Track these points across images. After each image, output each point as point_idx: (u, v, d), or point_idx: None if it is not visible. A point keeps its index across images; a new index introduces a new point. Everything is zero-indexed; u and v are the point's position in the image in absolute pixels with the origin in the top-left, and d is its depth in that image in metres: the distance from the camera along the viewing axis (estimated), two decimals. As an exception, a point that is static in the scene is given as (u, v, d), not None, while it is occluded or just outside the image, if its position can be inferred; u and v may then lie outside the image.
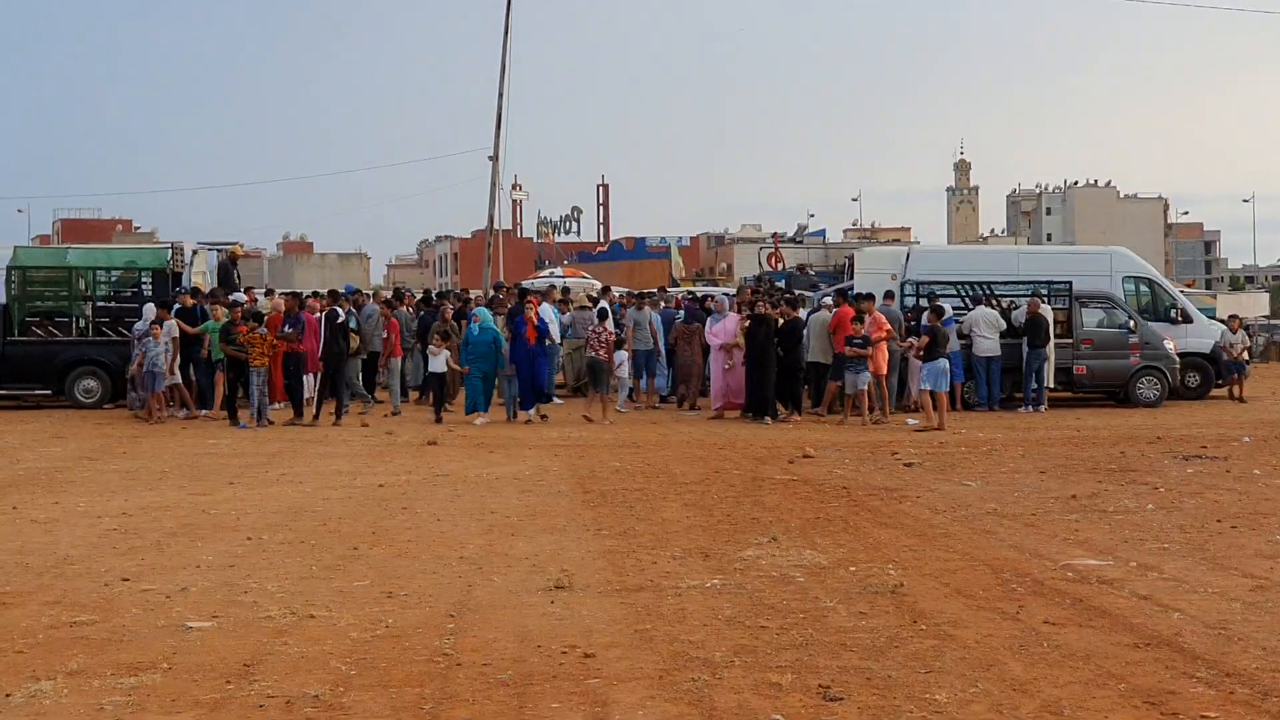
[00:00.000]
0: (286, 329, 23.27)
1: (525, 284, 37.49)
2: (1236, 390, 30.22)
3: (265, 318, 24.05)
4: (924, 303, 26.58)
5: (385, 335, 26.21)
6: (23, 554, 10.53)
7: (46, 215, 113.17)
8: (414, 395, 28.33)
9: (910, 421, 23.53)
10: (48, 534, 11.75)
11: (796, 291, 30.63)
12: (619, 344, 26.89)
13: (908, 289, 28.05)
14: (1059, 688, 6.47)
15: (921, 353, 22.84)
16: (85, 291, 26.60)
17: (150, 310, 23.86)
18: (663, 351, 28.02)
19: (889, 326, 24.28)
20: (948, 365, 22.57)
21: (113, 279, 27.20)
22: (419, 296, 34.65)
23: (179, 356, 23.86)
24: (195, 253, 28.86)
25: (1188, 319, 29.75)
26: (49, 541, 11.31)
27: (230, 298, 25.22)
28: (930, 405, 22.13)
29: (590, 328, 26.02)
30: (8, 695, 6.20)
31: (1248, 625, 7.94)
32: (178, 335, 23.46)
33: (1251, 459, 18.73)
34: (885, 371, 23.96)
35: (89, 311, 26.42)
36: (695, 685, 6.39)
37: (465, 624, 7.85)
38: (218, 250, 30.08)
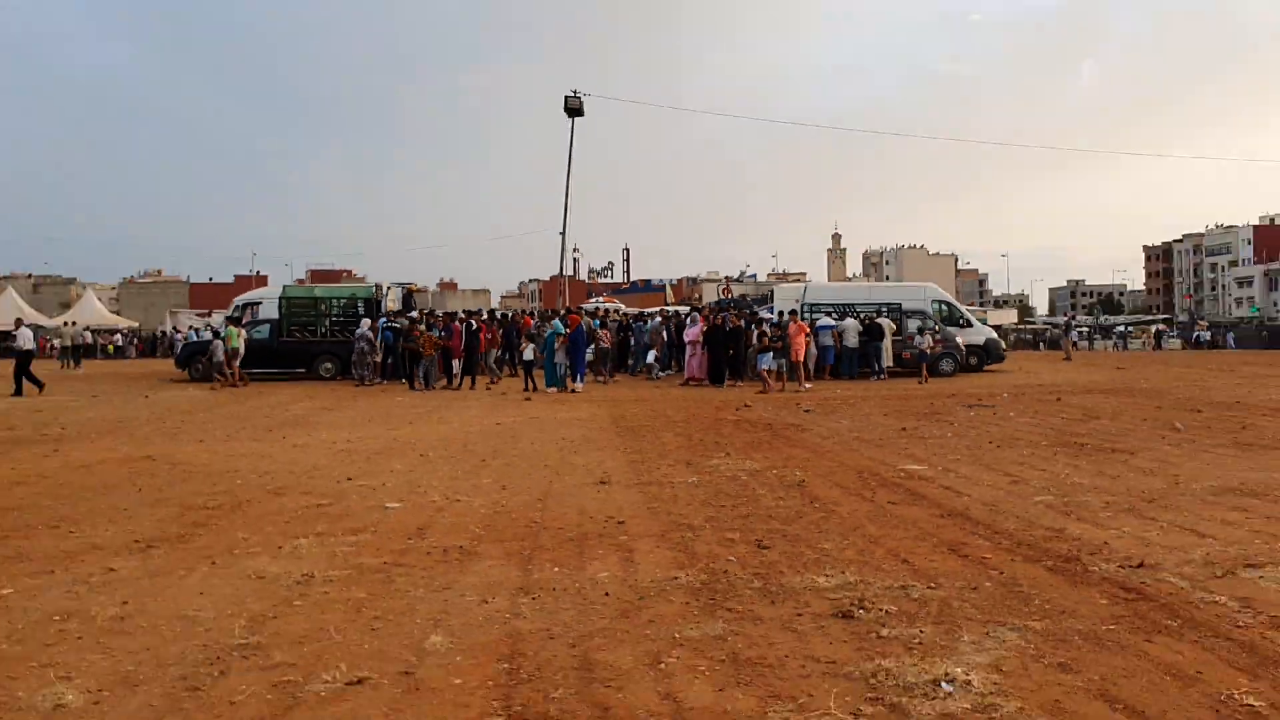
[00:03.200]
0: (439, 333, 30.67)
1: (583, 307, 46.83)
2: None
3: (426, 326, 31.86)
4: (814, 318, 32.87)
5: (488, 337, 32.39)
6: (288, 465, 12.87)
7: (303, 266, 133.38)
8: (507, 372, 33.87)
9: (806, 386, 28.10)
10: (303, 453, 14.13)
11: (738, 310, 36.10)
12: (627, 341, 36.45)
13: (805, 309, 34.06)
14: (897, 541, 8.14)
15: (766, 347, 27.69)
16: (325, 312, 35.41)
17: (365, 324, 31.50)
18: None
19: (806, 330, 29.44)
20: (771, 355, 27.63)
21: (341, 305, 35.69)
22: (496, 314, 42.55)
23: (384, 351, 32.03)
24: (389, 289, 38.84)
25: (970, 325, 37.15)
26: (303, 458, 13.60)
27: (410, 315, 34.17)
28: (768, 378, 27.32)
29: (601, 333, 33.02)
30: (280, 547, 7.97)
31: (1009, 504, 9.67)
32: (372, 337, 31.29)
33: (1008, 407, 22.54)
34: (801, 358, 29.23)
35: (327, 324, 34.94)
36: (682, 540, 8.20)
37: (548, 505, 9.83)
38: (402, 287, 39.41)
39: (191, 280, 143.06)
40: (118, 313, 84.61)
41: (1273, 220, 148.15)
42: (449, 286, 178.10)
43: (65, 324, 61.08)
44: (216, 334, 34.75)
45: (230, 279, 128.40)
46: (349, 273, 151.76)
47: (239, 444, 14.94)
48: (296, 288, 36.49)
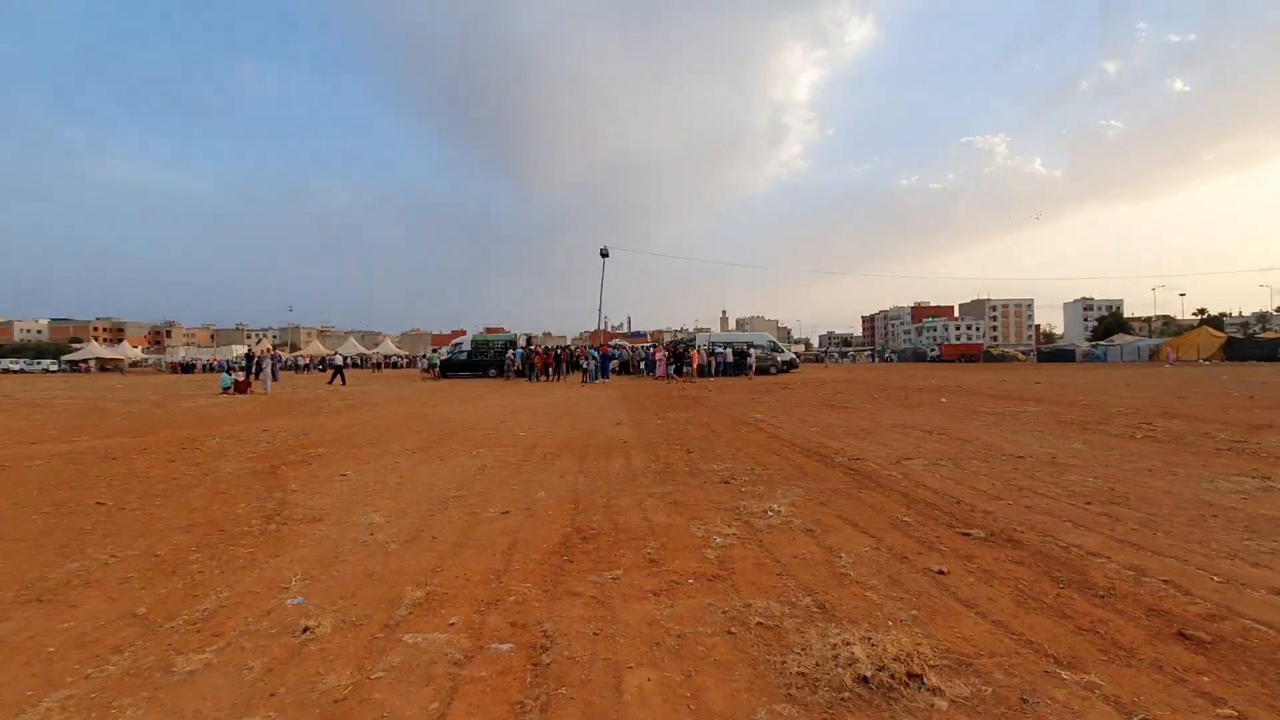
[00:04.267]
0: (542, 355, 30.04)
1: (609, 344, 44.89)
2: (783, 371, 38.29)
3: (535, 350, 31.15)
4: (715, 348, 31.21)
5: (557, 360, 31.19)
6: (475, 416, 12.24)
7: (482, 325, 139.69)
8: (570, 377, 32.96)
9: (695, 380, 27.90)
10: (481, 411, 13.46)
11: (682, 345, 34.52)
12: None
13: (710, 344, 31.57)
14: (749, 450, 8.03)
15: (672, 363, 27.33)
16: (492, 346, 32.44)
17: (510, 351, 30.42)
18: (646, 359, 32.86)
19: (699, 353, 28.66)
20: (678, 365, 27.40)
21: (499, 344, 32.45)
22: (569, 347, 41.74)
23: (520, 364, 30.37)
24: (519, 336, 35.18)
25: (783, 352, 34.36)
26: (481, 413, 12.95)
27: (530, 347, 32.51)
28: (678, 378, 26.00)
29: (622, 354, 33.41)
30: (471, 453, 7.91)
31: (800, 432, 9.40)
32: (517, 359, 30.09)
33: (799, 389, 20.96)
34: (696, 367, 28.05)
35: (491, 352, 32.05)
36: (653, 450, 8.05)
37: (592, 435, 9.49)
38: (527, 335, 37.04)
39: (433, 332, 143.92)
40: (400, 347, 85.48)
41: (917, 305, 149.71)
42: (547, 334, 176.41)
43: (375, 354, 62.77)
44: (429, 359, 36.81)
45: (449, 331, 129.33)
46: (503, 328, 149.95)
47: (452, 407, 14.80)
48: (480, 335, 36.18)
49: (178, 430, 10.70)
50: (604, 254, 32.93)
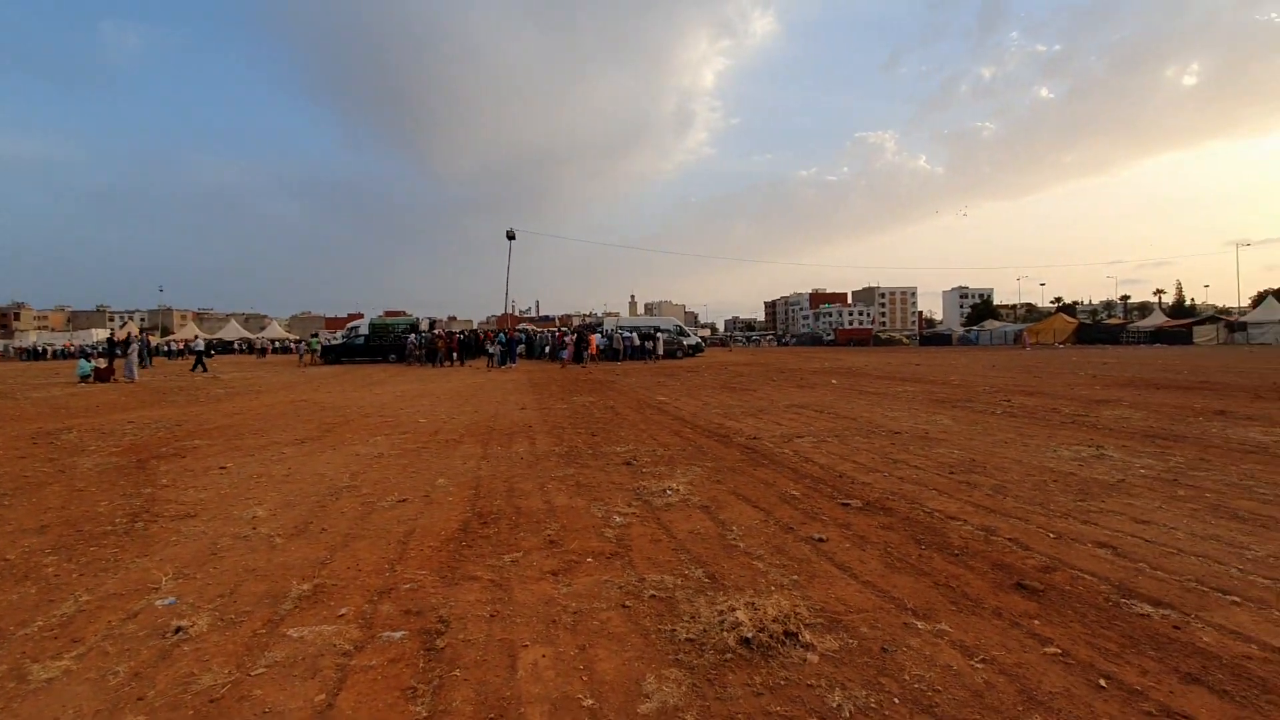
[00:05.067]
0: (436, 337, 28.56)
1: (516, 328, 43.22)
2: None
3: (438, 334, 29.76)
4: (623, 332, 31.07)
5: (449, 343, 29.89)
6: (370, 403, 11.71)
7: (381, 308, 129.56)
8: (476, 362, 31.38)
9: (586, 366, 27.99)
10: (378, 397, 12.97)
11: (590, 330, 34.76)
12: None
13: (618, 328, 31.90)
14: (652, 431, 8.12)
15: (572, 348, 26.67)
16: (392, 330, 31.39)
17: (412, 336, 29.04)
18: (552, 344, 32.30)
19: (595, 340, 28.06)
20: (575, 350, 26.77)
21: (400, 328, 31.45)
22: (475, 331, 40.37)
23: (422, 349, 28.41)
24: (420, 319, 34.24)
25: (689, 336, 34.85)
26: (378, 399, 12.47)
27: (434, 331, 30.77)
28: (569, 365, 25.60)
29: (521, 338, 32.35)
30: (366, 441, 7.54)
31: (701, 413, 9.64)
32: (420, 342, 28.35)
33: (703, 371, 21.73)
34: (594, 352, 27.94)
35: (392, 336, 30.89)
36: (558, 433, 8.00)
37: (496, 419, 9.31)
38: (430, 319, 35.76)
39: (326, 316, 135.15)
40: (290, 331, 79.77)
41: (815, 291, 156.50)
42: (451, 317, 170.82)
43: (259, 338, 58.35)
44: (308, 344, 34.76)
45: (346, 314, 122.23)
46: (404, 312, 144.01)
47: (346, 394, 14.06)
48: (378, 318, 34.24)
49: (27, 423, 9.59)
50: (510, 236, 32.16)
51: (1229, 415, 8.37)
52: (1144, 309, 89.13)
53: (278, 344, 60.13)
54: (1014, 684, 2.21)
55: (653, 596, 2.98)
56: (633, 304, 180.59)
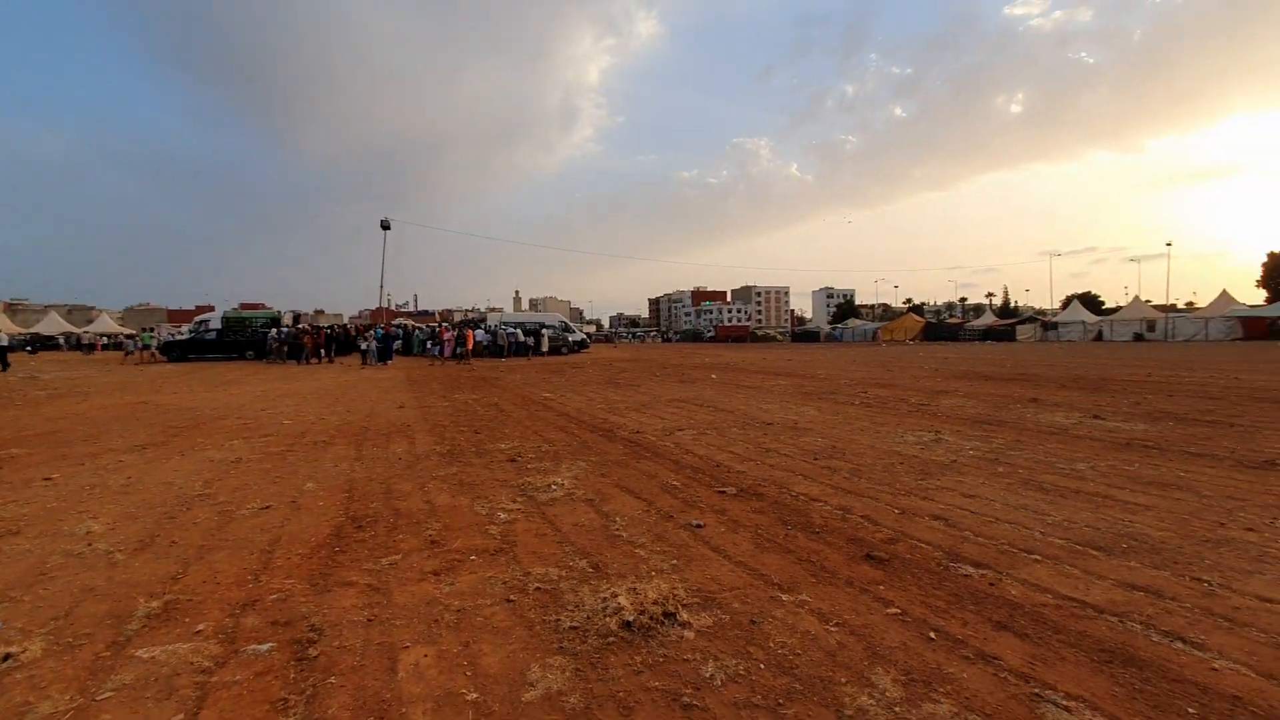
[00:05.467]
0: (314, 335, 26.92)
1: (393, 324, 41.69)
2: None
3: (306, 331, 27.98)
4: (506, 328, 30.48)
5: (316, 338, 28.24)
6: (225, 404, 10.74)
7: (235, 301, 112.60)
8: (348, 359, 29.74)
9: (469, 362, 27.51)
10: (234, 398, 11.98)
11: (472, 325, 33.97)
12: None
13: (501, 324, 31.05)
14: (538, 428, 8.10)
15: (454, 340, 25.82)
16: (249, 324, 29.05)
17: (273, 330, 27.04)
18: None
19: (471, 335, 26.80)
20: (455, 344, 25.89)
21: (259, 322, 29.18)
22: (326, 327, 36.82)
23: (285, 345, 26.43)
24: (285, 313, 32.09)
25: (574, 332, 34.61)
26: (233, 400, 11.51)
27: (299, 326, 28.78)
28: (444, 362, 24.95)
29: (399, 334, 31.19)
30: (221, 445, 6.99)
31: (587, 409, 9.69)
32: (282, 337, 26.35)
33: (590, 369, 21.61)
34: (470, 348, 26.13)
35: (249, 331, 28.71)
36: (439, 432, 7.79)
37: (372, 418, 8.92)
38: (294, 313, 33.67)
39: (169, 308, 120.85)
40: (125, 325, 70.42)
41: (697, 289, 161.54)
42: (319, 311, 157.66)
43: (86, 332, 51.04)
44: (139, 339, 31.33)
45: (194, 306, 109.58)
46: (263, 304, 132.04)
47: (196, 394, 12.78)
48: (233, 312, 31.20)
49: None
50: (385, 226, 30.59)
51: (1040, 402, 9.69)
52: (978, 310, 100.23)
53: (111, 339, 53.16)
54: (861, 642, 2.49)
55: (538, 589, 3.03)
56: (517, 299, 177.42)
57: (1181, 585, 2.96)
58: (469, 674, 2.32)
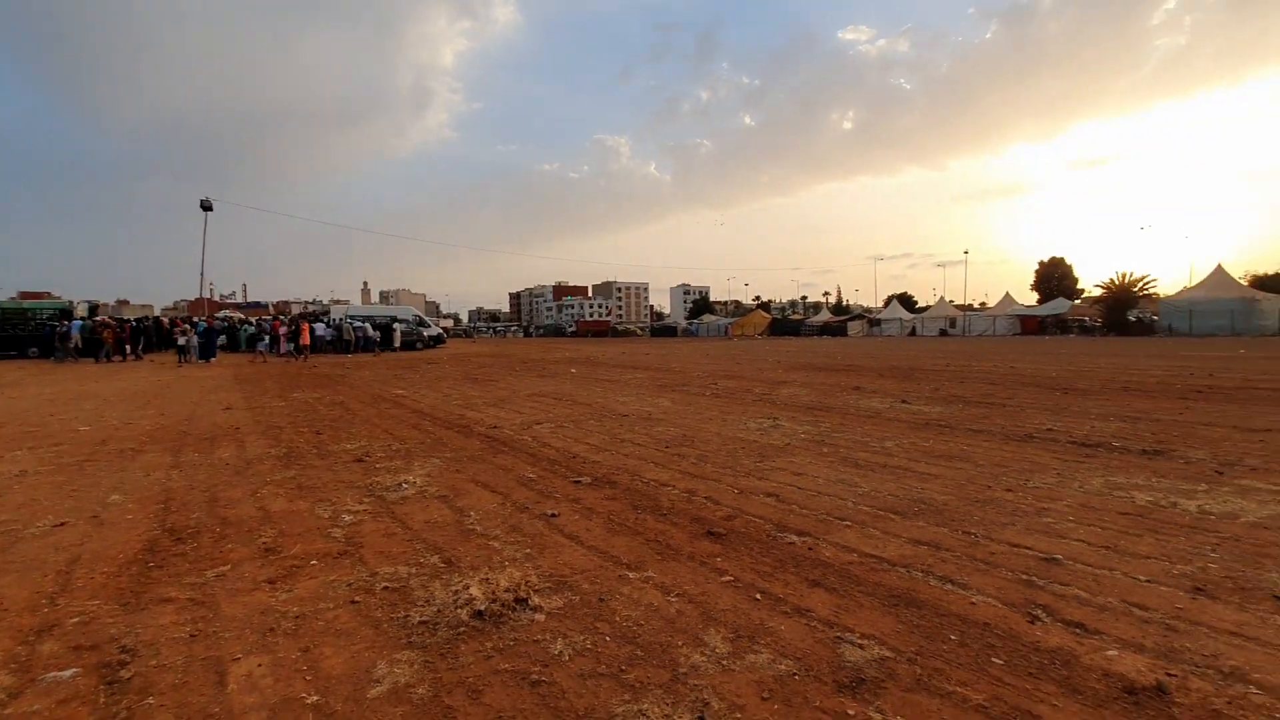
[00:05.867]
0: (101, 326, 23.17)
1: (216, 315, 37.38)
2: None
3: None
4: (353, 322, 28.51)
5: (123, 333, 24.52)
6: (5, 409, 9.25)
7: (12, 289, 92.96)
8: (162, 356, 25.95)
9: (305, 359, 25.86)
10: (16, 402, 10.44)
11: (311, 318, 31.39)
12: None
13: (348, 317, 29.39)
14: (388, 426, 7.73)
15: (290, 335, 24.00)
16: (32, 318, 24.86)
17: (63, 324, 22.79)
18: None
19: (307, 329, 24.75)
20: (288, 339, 23.83)
21: (45, 314, 25.04)
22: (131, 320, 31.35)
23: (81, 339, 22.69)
24: (79, 304, 29.63)
25: (429, 327, 33.58)
26: (16, 404, 9.92)
27: (96, 319, 25.34)
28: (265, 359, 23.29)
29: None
30: (1, 457, 6.07)
31: (440, 406, 9.43)
32: (77, 333, 22.47)
33: (447, 365, 20.93)
34: (308, 343, 24.14)
35: (33, 325, 24.43)
36: (275, 434, 7.21)
37: (192, 422, 8.07)
38: (89, 302, 30.14)
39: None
40: None
41: (558, 284, 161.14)
42: (123, 302, 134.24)
43: None
44: None
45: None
46: (49, 293, 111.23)
47: (-44, 402, 10.77)
48: (10, 302, 26.23)
49: None
50: (206, 207, 27.36)
51: (862, 390, 10.89)
52: (817, 308, 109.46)
53: None
54: (698, 608, 2.73)
55: (385, 588, 2.96)
56: (366, 291, 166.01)
57: (954, 538, 3.54)
58: (309, 678, 2.24)
